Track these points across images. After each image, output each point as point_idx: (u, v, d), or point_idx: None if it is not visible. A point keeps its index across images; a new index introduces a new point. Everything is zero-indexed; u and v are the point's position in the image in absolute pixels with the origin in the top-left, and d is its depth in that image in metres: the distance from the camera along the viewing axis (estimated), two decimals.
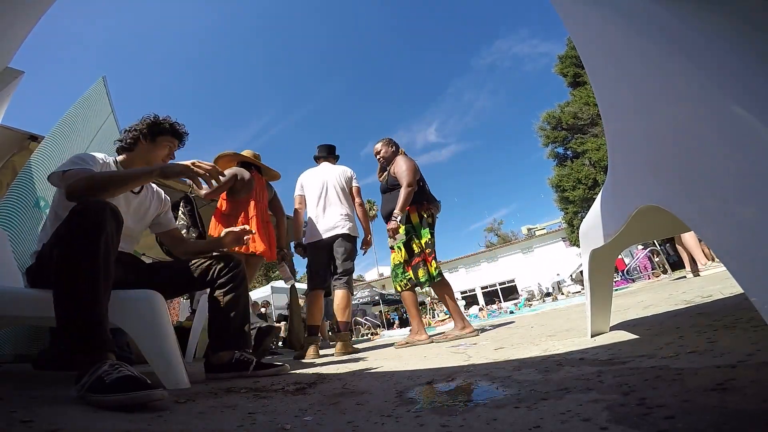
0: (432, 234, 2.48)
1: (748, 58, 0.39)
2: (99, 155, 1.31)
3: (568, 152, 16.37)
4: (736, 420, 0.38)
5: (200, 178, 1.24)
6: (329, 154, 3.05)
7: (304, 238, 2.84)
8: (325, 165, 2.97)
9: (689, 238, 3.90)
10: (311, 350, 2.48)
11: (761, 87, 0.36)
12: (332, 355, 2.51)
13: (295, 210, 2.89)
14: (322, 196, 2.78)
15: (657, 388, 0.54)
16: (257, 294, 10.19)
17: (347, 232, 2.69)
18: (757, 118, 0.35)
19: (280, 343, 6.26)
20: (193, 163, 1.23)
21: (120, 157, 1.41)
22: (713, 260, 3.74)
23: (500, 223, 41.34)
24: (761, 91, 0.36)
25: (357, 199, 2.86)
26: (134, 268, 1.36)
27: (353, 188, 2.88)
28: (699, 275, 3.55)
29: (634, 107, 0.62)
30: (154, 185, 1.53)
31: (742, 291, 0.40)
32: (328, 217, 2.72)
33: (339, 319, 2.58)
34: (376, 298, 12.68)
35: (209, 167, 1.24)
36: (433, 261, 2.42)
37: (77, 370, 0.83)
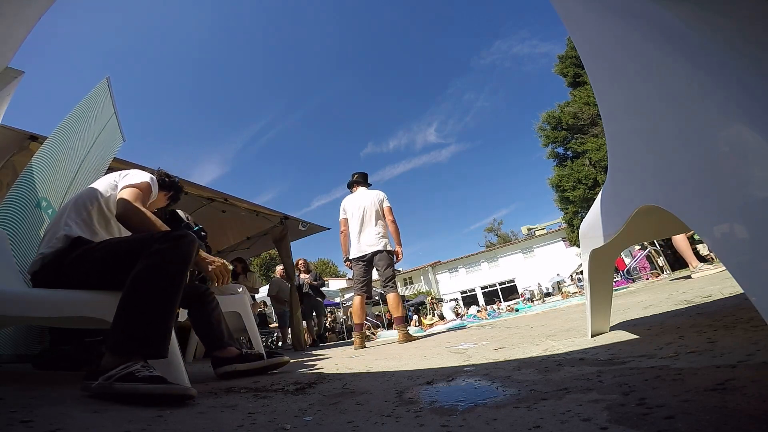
0: None
1: (747, 58, 0.39)
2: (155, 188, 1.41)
3: (568, 152, 16.33)
4: (736, 420, 0.38)
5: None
6: (364, 180, 3.53)
7: (349, 254, 3.35)
8: (362, 190, 3.44)
9: (680, 241, 3.88)
10: (357, 341, 2.92)
11: (760, 87, 0.36)
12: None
13: (341, 231, 3.43)
14: (361, 219, 3.28)
15: (657, 388, 0.54)
16: (257, 295, 10.17)
17: (382, 248, 3.17)
18: (756, 118, 0.35)
19: (279, 343, 6.30)
20: (214, 270, 1.29)
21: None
22: (705, 263, 3.74)
23: (500, 223, 41.10)
24: (760, 91, 0.36)
25: (389, 217, 3.30)
26: None
27: (385, 208, 3.33)
28: (691, 277, 3.54)
29: (634, 107, 0.62)
30: None
31: (742, 291, 0.40)
32: (368, 237, 3.23)
33: (395, 315, 3.02)
34: (376, 298, 12.69)
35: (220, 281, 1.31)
36: None
37: (93, 368, 0.89)
